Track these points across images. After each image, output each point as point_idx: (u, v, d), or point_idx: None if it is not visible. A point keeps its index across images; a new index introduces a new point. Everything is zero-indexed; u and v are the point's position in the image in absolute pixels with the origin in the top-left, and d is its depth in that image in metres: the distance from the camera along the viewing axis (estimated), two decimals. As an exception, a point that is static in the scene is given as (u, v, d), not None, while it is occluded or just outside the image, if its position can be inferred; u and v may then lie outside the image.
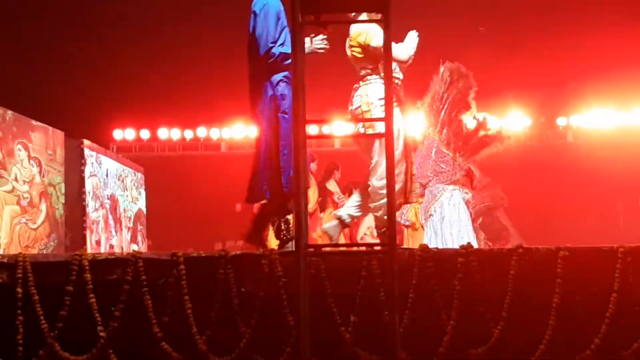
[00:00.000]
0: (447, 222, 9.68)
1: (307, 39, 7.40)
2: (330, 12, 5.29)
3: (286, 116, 7.54)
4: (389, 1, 5.03)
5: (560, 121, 20.43)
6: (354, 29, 7.85)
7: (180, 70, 17.29)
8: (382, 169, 7.58)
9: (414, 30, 7.92)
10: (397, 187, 7.56)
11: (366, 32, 7.73)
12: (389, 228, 5.12)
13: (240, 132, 20.20)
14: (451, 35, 15.19)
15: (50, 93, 16.56)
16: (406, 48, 7.80)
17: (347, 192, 15.26)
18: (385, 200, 7.51)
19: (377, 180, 7.64)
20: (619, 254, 6.16)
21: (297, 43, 5.02)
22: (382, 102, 7.61)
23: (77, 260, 6.23)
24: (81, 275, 6.19)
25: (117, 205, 18.99)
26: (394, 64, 7.65)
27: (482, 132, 10.10)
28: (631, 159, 18.00)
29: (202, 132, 20.80)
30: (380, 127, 7.59)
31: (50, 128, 16.66)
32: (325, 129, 17.74)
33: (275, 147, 7.57)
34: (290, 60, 7.39)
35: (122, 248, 18.87)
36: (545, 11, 15.39)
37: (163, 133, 20.76)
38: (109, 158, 19.08)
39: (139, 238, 20.25)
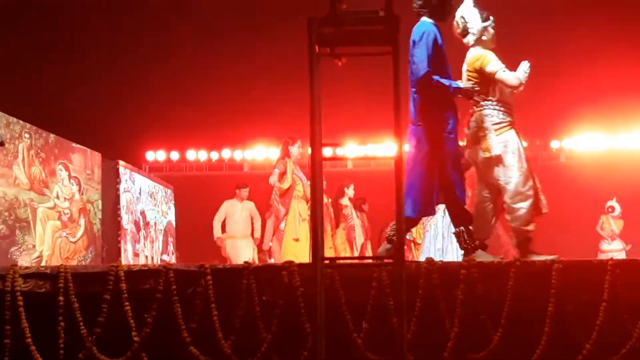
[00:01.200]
0: (439, 238, 9.69)
1: None
2: (344, 45, 5.31)
3: (452, 136, 7.61)
4: (398, 35, 5.05)
5: (554, 144, 20.45)
6: (471, 54, 7.94)
7: (207, 96, 17.32)
8: (512, 187, 7.64)
9: (527, 61, 8.05)
10: (529, 202, 7.65)
11: (482, 57, 7.83)
12: (397, 243, 5.12)
13: (262, 153, 20.25)
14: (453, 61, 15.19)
15: (88, 118, 16.60)
16: (517, 75, 7.86)
17: (357, 208, 15.31)
18: (522, 212, 7.62)
19: (510, 198, 7.64)
20: (608, 266, 6.15)
21: (313, 73, 5.05)
22: (497, 126, 7.74)
23: (114, 271, 6.25)
24: (117, 285, 6.20)
25: (147, 219, 19.03)
26: (506, 90, 7.84)
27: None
28: (618, 179, 17.97)
29: (226, 153, 20.85)
30: (496, 151, 7.71)
31: (88, 150, 16.73)
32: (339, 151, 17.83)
33: (442, 163, 7.53)
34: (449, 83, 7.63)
35: (153, 259, 18.90)
36: (541, 43, 15.38)
37: (191, 154, 20.80)
38: (142, 176, 19.16)
39: (170, 249, 20.29)
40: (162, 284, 6.22)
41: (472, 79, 7.87)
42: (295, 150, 12.58)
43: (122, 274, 6.24)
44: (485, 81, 7.84)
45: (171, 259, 19.94)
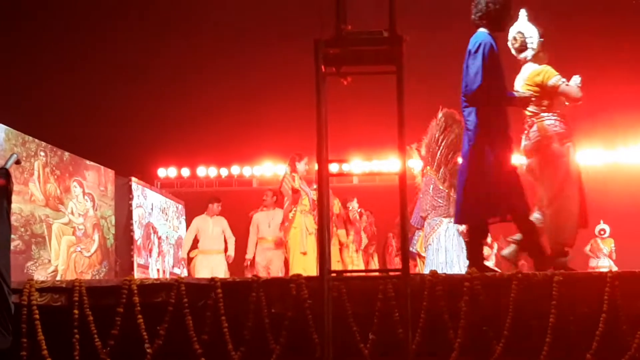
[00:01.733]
0: (442, 251, 9.67)
1: None
2: (350, 65, 5.33)
3: (504, 144, 7.48)
4: (401, 55, 5.07)
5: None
6: (529, 69, 7.92)
7: (216, 115, 17.35)
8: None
9: (578, 75, 8.01)
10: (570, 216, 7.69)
11: (544, 72, 7.83)
12: (402, 256, 5.11)
13: (270, 169, 20.29)
14: (451, 83, 15.22)
15: (102, 136, 16.65)
16: (577, 89, 7.86)
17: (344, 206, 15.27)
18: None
19: (547, 207, 7.73)
20: (608, 278, 6.14)
21: (319, 92, 5.06)
22: (561, 136, 7.78)
23: (127, 285, 6.25)
24: (130, 298, 6.20)
25: (159, 234, 19.05)
26: (564, 103, 7.90)
27: None
28: (617, 192, 17.97)
29: (235, 170, 20.90)
30: (554, 160, 7.80)
31: (102, 167, 16.77)
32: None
33: (509, 170, 7.50)
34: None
35: (165, 272, 18.91)
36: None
37: (201, 171, 20.85)
38: (154, 192, 19.19)
39: (182, 263, 20.30)
40: (174, 297, 6.22)
41: (534, 92, 7.84)
42: (301, 166, 12.58)
43: (135, 287, 6.24)
44: (546, 95, 7.82)
45: (182, 272, 19.95)
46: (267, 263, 13.66)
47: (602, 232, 17.67)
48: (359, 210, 15.07)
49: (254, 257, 14.05)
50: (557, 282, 6.14)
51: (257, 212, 14.56)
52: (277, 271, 13.17)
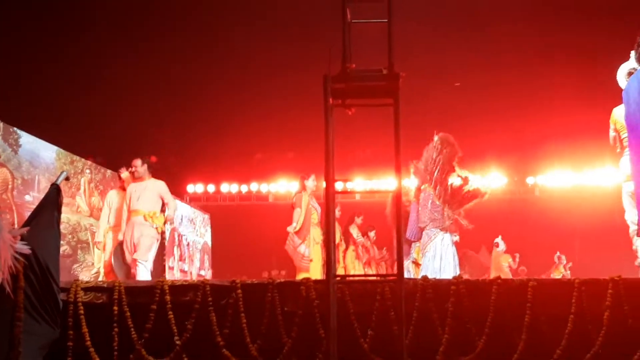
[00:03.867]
0: (437, 258, 9.64)
1: None
2: (353, 98, 5.35)
3: None
4: (398, 90, 5.09)
5: (529, 180, 20.47)
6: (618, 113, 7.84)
7: (237, 138, 17.39)
8: None
9: None
10: None
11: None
12: (398, 263, 5.12)
13: (284, 186, 20.31)
14: (447, 110, 15.27)
15: (139, 156, 16.68)
16: None
17: (365, 234, 15.31)
18: None
19: None
20: (575, 284, 6.12)
21: (327, 121, 5.08)
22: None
23: (160, 285, 6.26)
24: (163, 297, 6.20)
25: (188, 240, 19.06)
26: None
27: (465, 188, 10.03)
28: (583, 210, 17.98)
29: (254, 186, 20.93)
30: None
31: (139, 183, 16.77)
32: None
33: None
34: None
35: (192, 274, 18.91)
36: (518, 95, 15.43)
37: (225, 187, 20.90)
38: (184, 204, 19.23)
39: (206, 265, 20.31)
40: (200, 296, 6.22)
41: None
42: (310, 183, 12.57)
43: (167, 287, 6.24)
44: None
45: (207, 274, 19.95)
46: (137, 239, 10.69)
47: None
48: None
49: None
50: (532, 287, 6.13)
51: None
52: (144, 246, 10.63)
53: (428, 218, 9.87)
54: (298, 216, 12.22)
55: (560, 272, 17.81)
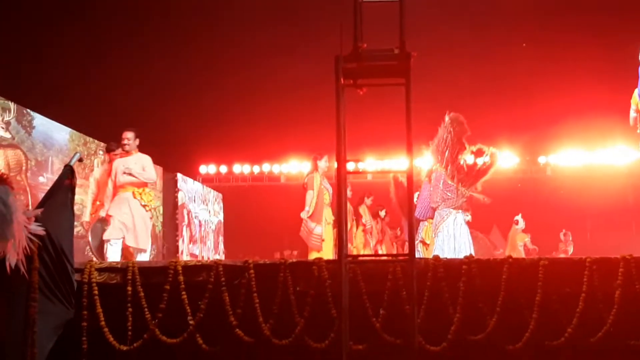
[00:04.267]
0: (451, 238, 9.64)
1: None
2: (365, 78, 5.33)
3: None
4: (409, 69, 5.07)
5: (541, 159, 20.40)
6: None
7: (249, 118, 17.38)
8: None
9: None
10: None
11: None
12: (409, 243, 5.12)
13: (295, 167, 20.31)
14: (459, 90, 15.22)
15: (152, 137, 16.68)
16: None
17: (375, 216, 15.31)
18: None
19: None
20: (587, 263, 6.12)
21: (338, 101, 5.07)
22: None
23: (173, 266, 6.28)
24: (176, 277, 6.23)
25: (200, 219, 19.10)
26: None
27: (479, 162, 10.04)
28: (595, 189, 17.92)
29: (266, 167, 20.93)
30: None
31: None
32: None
33: None
34: None
35: (204, 256, 18.97)
36: (530, 74, 15.35)
37: (237, 168, 20.91)
38: (196, 183, 19.28)
39: (220, 249, 20.35)
40: (213, 276, 6.24)
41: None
42: (322, 164, 12.51)
43: (180, 268, 6.26)
44: None
45: (220, 254, 20.03)
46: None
47: (515, 223, 17.45)
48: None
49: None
50: (543, 266, 6.12)
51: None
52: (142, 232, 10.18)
53: (440, 198, 9.88)
54: (311, 198, 12.19)
55: (560, 249, 17.78)
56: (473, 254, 9.17)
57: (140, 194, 10.18)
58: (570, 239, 17.84)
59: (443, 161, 9.89)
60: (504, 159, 19.01)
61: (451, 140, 9.87)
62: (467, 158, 9.98)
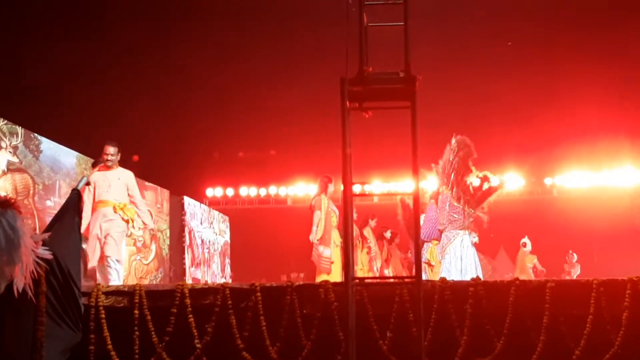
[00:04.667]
0: (458, 260, 9.63)
1: None
2: (370, 100, 5.35)
3: None
4: (415, 92, 5.09)
5: (547, 181, 20.40)
6: None
7: (256, 142, 17.45)
8: None
9: None
10: None
11: None
12: (416, 265, 5.12)
13: (302, 189, 20.32)
14: (465, 112, 15.24)
15: (159, 162, 16.75)
16: None
17: (380, 237, 15.30)
18: None
19: None
20: (594, 285, 6.10)
21: (344, 124, 5.08)
22: None
23: (180, 289, 6.28)
24: (183, 300, 6.22)
25: (206, 243, 19.08)
26: None
27: (486, 185, 10.05)
28: (602, 211, 17.89)
29: (272, 190, 20.95)
30: None
31: (159, 188, 16.87)
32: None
33: None
34: None
35: (207, 280, 18.93)
36: (536, 95, 15.38)
37: (243, 191, 20.93)
38: (202, 206, 19.29)
39: (227, 272, 20.32)
40: (220, 299, 6.23)
41: None
42: (331, 188, 12.54)
43: (187, 291, 6.27)
44: None
45: (227, 276, 20.00)
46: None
47: (523, 246, 17.47)
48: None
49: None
50: (550, 288, 6.11)
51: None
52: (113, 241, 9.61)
53: (447, 220, 9.88)
54: (318, 219, 12.16)
55: (565, 270, 17.77)
56: (480, 275, 9.20)
57: (121, 209, 9.68)
58: (575, 260, 17.80)
59: (449, 183, 9.89)
60: (511, 181, 19.06)
61: (457, 163, 9.88)
62: (473, 180, 9.98)
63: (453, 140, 10.03)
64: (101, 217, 9.52)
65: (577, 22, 13.12)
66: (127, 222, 9.70)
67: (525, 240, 17.14)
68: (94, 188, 9.70)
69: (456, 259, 9.64)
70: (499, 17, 13.04)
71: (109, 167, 9.87)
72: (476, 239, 10.10)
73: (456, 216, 9.82)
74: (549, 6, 12.73)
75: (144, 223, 10.42)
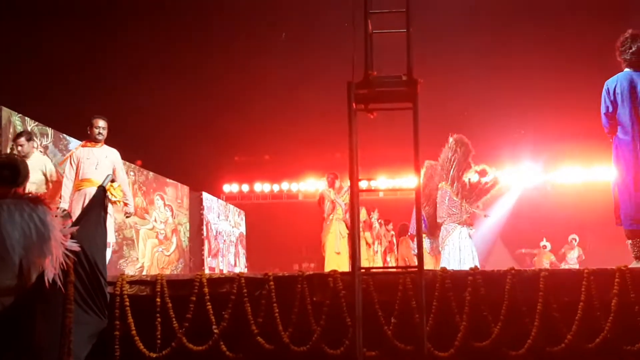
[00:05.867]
0: (456, 250, 9.64)
1: None
2: (375, 102, 5.35)
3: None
4: (416, 94, 5.09)
5: (542, 176, 20.37)
6: None
7: (270, 141, 17.47)
8: None
9: None
10: None
11: None
12: (418, 256, 5.12)
13: (312, 185, 20.35)
14: (465, 113, 15.24)
15: (179, 160, 16.79)
16: None
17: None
18: None
19: None
20: (585, 274, 6.09)
21: (351, 124, 5.09)
22: None
23: (199, 279, 6.29)
24: (201, 289, 6.24)
25: (223, 235, 19.12)
26: None
27: (483, 180, 10.05)
28: (593, 205, 17.84)
29: (285, 185, 20.99)
30: None
31: (179, 184, 16.90)
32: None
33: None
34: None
35: (227, 266, 18.98)
36: (532, 97, 15.36)
37: (258, 187, 20.99)
38: (219, 201, 19.31)
39: (242, 259, 20.36)
40: (236, 288, 6.24)
41: None
42: (337, 184, 12.63)
43: (205, 280, 6.28)
44: None
45: (242, 266, 20.04)
46: None
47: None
48: (379, 220, 15.12)
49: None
50: (544, 277, 6.10)
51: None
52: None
53: (446, 214, 9.88)
54: (327, 207, 12.36)
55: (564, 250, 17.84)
56: (478, 264, 9.21)
57: (109, 189, 8.67)
58: (576, 243, 17.81)
59: (449, 179, 9.89)
60: (507, 177, 19.07)
61: (456, 160, 9.88)
62: (471, 177, 9.98)
63: (450, 139, 10.03)
64: (88, 197, 8.21)
65: (570, 31, 13.10)
66: (114, 203, 8.24)
67: (545, 243, 17.42)
68: (78, 164, 8.76)
69: (455, 250, 9.65)
70: (496, 20, 13.04)
71: (96, 142, 8.94)
72: (473, 231, 10.09)
73: (455, 210, 9.82)
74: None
75: (126, 204, 8.95)
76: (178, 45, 13.83)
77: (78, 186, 8.74)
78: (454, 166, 9.86)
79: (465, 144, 9.92)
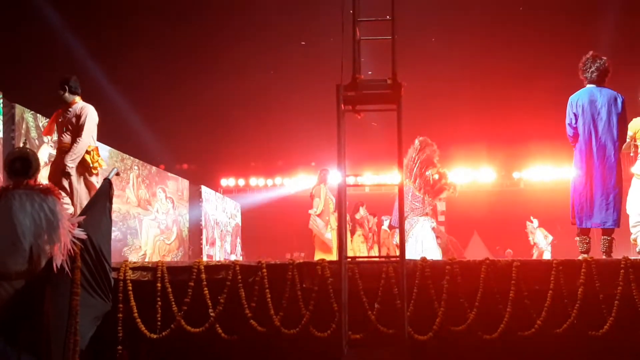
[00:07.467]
0: (419, 243, 9.65)
1: None
2: (362, 104, 5.36)
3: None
4: (400, 96, 5.10)
5: (515, 175, 20.42)
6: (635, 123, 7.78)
7: (264, 138, 17.48)
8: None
9: None
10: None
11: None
12: (400, 247, 5.14)
13: (303, 180, 20.36)
14: (444, 115, 15.25)
15: (179, 155, 16.79)
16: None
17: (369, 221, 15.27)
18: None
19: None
20: (554, 264, 6.12)
21: (339, 124, 5.10)
22: None
23: (197, 265, 6.28)
24: (199, 275, 6.23)
25: (220, 226, 19.10)
26: None
27: (442, 181, 10.11)
28: (562, 201, 17.85)
29: (278, 180, 20.98)
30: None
31: (179, 178, 16.89)
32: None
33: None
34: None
35: (223, 254, 18.97)
36: (506, 99, 15.40)
37: (253, 181, 20.97)
38: (217, 194, 19.29)
39: (238, 248, 20.34)
40: (231, 274, 6.23)
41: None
42: (329, 179, 12.64)
43: (203, 267, 6.27)
44: None
45: (238, 255, 20.03)
46: None
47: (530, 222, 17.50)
48: (366, 215, 15.14)
49: None
50: (516, 267, 6.13)
51: None
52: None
53: (409, 208, 9.92)
54: (318, 203, 12.29)
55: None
56: (440, 256, 9.29)
57: (89, 152, 7.72)
58: (536, 226, 17.65)
59: (412, 176, 9.97)
60: (481, 175, 19.09)
61: (420, 160, 9.96)
62: (434, 175, 10.06)
63: (416, 141, 10.11)
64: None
65: (544, 33, 13.09)
66: (94, 169, 7.64)
67: (532, 219, 17.20)
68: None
69: (416, 243, 9.67)
70: (469, 21, 13.05)
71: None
72: (434, 224, 10.14)
73: (417, 204, 9.87)
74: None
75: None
76: (182, 49, 13.81)
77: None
78: (417, 165, 9.94)
79: (430, 145, 10.05)
